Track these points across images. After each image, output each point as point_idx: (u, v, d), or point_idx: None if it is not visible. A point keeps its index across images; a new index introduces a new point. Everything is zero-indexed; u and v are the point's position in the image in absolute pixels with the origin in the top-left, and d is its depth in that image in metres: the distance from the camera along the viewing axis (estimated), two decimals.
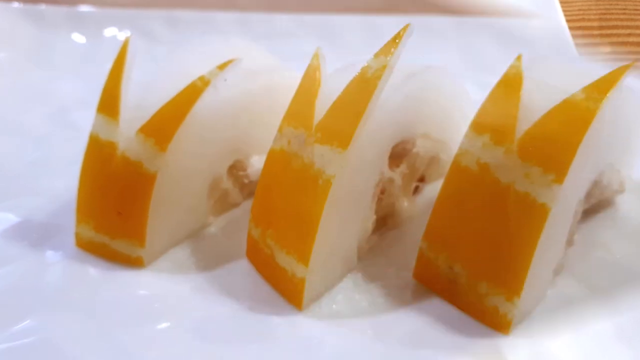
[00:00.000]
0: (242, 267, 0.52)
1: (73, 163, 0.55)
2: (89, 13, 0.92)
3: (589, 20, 0.86)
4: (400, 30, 0.46)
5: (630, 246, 0.53)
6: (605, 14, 0.87)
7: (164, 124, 0.49)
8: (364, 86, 0.45)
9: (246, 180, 0.58)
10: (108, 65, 0.53)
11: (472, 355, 0.44)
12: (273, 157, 0.49)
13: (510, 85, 0.47)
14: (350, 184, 0.46)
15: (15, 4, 0.92)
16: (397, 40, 0.46)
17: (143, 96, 0.51)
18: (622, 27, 0.84)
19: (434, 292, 0.49)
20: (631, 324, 0.46)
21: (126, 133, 0.50)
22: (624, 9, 0.87)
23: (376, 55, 0.46)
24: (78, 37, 0.91)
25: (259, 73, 0.55)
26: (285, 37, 0.90)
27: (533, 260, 0.43)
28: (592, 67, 0.79)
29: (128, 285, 0.51)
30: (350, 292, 0.50)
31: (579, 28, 0.85)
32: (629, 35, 0.81)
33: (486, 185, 0.45)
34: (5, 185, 0.62)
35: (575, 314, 0.47)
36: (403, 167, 0.54)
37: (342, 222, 0.48)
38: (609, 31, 0.85)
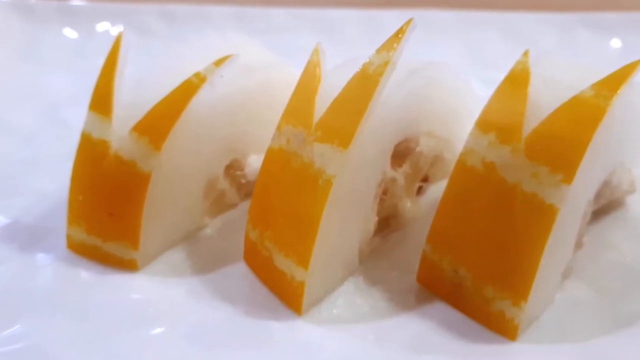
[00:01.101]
0: (239, 270, 0.52)
1: (64, 162, 0.54)
2: (81, 7, 0.92)
3: None
4: (403, 25, 0.46)
5: None
6: None
7: (159, 122, 0.49)
8: (366, 83, 0.45)
9: (243, 180, 0.57)
10: (100, 61, 0.52)
11: None
12: (271, 156, 0.49)
13: (516, 81, 0.47)
14: (351, 184, 0.46)
15: None
16: (399, 36, 0.45)
17: (137, 93, 0.51)
18: None
19: (438, 296, 0.49)
20: None
21: (119, 131, 0.50)
22: None
23: (378, 50, 0.45)
24: (69, 32, 0.91)
25: (256, 69, 0.55)
26: (283, 32, 0.90)
27: (541, 263, 0.43)
28: (601, 62, 0.79)
29: (121, 289, 0.50)
30: (351, 296, 0.49)
31: None
32: None
33: (492, 185, 0.45)
34: None
35: (585, 319, 0.47)
36: (406, 167, 0.53)
37: (343, 224, 0.47)
38: None
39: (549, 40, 0.86)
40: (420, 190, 0.58)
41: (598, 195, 0.52)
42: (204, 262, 0.53)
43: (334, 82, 0.47)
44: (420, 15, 0.81)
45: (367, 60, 0.45)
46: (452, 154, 0.57)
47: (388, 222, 0.55)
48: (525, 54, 0.49)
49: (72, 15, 0.91)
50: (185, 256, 0.53)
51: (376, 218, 0.51)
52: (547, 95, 0.45)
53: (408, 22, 0.46)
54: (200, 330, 0.47)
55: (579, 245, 0.50)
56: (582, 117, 0.43)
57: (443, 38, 0.87)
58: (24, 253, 0.53)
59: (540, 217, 0.43)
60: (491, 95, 0.48)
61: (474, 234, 0.46)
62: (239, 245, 0.52)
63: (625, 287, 0.50)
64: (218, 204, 0.57)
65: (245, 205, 0.57)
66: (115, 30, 0.90)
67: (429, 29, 0.87)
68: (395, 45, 0.45)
